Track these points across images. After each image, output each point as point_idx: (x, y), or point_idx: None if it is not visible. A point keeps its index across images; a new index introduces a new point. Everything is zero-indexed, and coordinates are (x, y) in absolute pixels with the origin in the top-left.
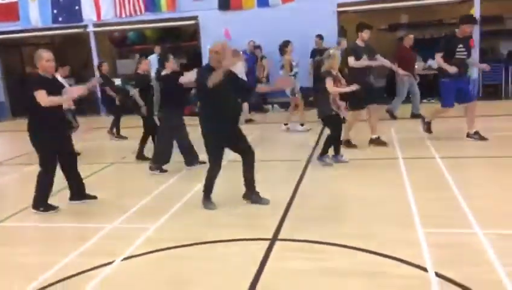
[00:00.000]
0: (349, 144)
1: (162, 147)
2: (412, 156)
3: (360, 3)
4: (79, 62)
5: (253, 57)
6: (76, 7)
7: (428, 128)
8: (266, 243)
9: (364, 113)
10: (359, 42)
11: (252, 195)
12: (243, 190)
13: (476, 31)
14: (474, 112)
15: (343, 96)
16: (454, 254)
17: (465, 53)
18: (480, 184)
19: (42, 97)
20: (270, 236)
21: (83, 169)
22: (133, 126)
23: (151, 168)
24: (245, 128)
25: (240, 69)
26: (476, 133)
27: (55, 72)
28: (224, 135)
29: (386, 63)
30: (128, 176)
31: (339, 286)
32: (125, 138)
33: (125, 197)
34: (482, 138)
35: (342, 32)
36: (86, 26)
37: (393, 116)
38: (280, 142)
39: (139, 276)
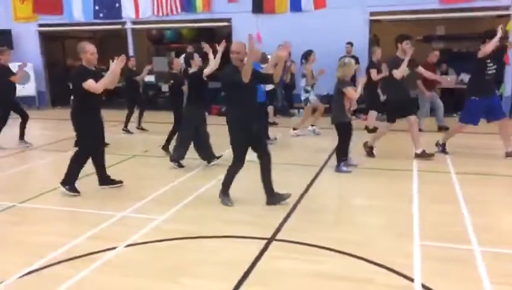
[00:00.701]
0: (371, 152)
1: (180, 142)
2: (427, 169)
3: (393, 13)
4: (119, 56)
5: None
6: (117, 4)
7: (443, 150)
8: (263, 242)
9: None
10: (400, 54)
11: (270, 197)
12: (253, 189)
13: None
14: (508, 129)
15: (378, 107)
16: (445, 267)
17: (494, 68)
18: (489, 201)
19: (93, 85)
20: (269, 236)
21: (106, 159)
22: (153, 121)
23: (171, 159)
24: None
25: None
26: None
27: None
28: (250, 133)
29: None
30: (147, 169)
31: (325, 287)
32: (131, 132)
33: (140, 188)
34: None
35: (375, 41)
36: (124, 23)
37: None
38: (299, 146)
39: (138, 262)
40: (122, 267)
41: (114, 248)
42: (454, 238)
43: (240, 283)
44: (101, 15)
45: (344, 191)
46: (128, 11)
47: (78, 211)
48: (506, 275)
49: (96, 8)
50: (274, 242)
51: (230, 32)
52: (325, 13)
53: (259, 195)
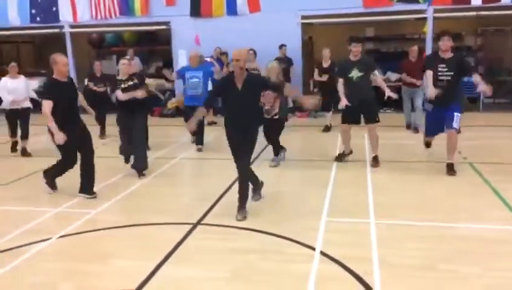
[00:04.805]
0: None
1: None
2: (346, 159)
3: (323, 17)
4: None
5: (219, 63)
6: (54, 8)
7: None
8: (189, 227)
9: None
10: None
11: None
12: (182, 182)
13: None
14: None
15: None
16: (344, 237)
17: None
18: (392, 186)
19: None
20: (194, 221)
21: (44, 160)
22: None
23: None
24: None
25: None
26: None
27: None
28: None
29: None
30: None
31: (237, 259)
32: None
33: (77, 185)
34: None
35: (310, 42)
36: (62, 27)
37: None
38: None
39: (70, 250)
40: (55, 255)
41: (48, 239)
42: (356, 214)
43: (164, 260)
44: (38, 19)
45: (269, 180)
46: (65, 15)
47: (14, 210)
48: (391, 240)
49: (33, 11)
50: (199, 226)
51: (170, 35)
52: (259, 17)
53: (187, 188)
